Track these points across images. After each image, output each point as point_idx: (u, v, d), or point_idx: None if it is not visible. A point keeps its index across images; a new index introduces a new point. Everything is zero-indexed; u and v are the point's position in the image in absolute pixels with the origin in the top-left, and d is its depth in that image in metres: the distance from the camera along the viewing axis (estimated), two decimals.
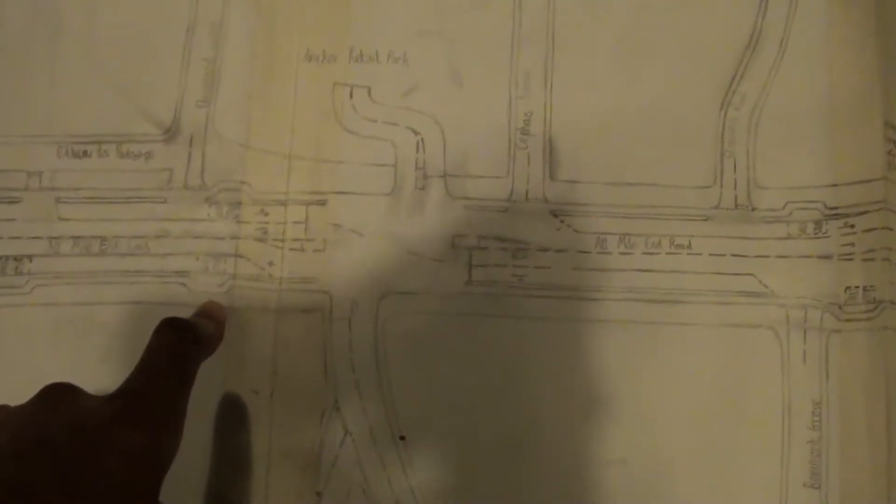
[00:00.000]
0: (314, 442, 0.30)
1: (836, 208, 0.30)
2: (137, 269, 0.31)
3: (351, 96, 0.32)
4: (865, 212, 0.30)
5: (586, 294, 0.30)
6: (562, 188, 0.31)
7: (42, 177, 0.32)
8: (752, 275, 0.30)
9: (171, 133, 0.32)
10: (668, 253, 0.31)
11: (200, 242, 0.31)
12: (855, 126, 0.30)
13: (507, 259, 0.31)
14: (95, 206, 0.32)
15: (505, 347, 0.30)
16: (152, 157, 0.32)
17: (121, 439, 0.22)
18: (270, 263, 0.31)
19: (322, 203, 0.31)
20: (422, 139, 0.32)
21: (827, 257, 0.30)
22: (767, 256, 0.30)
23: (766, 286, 0.30)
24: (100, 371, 0.30)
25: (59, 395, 0.23)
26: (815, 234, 0.30)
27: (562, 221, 0.31)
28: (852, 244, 0.30)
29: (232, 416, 0.30)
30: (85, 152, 0.32)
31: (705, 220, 0.31)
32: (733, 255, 0.30)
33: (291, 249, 0.31)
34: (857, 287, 0.29)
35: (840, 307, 0.30)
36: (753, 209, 0.31)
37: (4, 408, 0.24)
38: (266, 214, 0.31)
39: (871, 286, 0.29)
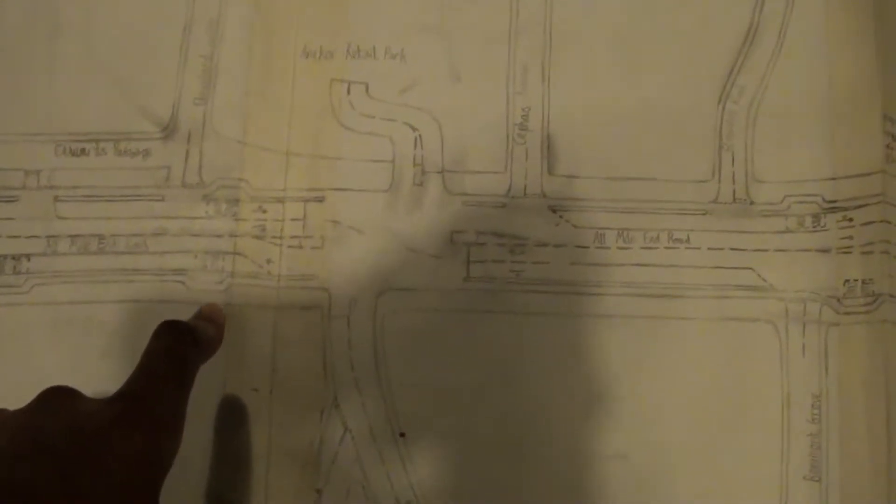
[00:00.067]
0: (314, 439, 0.30)
1: (834, 202, 0.30)
2: (136, 267, 0.31)
3: (348, 93, 0.32)
4: (864, 205, 0.30)
5: (585, 289, 0.30)
6: (560, 183, 0.31)
7: (40, 175, 0.32)
8: (750, 269, 0.30)
9: (168, 131, 0.32)
10: (666, 247, 0.31)
11: (199, 240, 0.31)
12: (853, 119, 0.30)
13: (506, 255, 0.31)
14: (93, 204, 0.32)
15: (504, 343, 0.30)
16: (150, 154, 0.32)
17: (120, 442, 0.22)
18: (269, 261, 0.31)
19: (320, 200, 0.31)
20: (420, 135, 0.32)
21: (825, 251, 0.30)
22: (766, 250, 0.30)
23: (764, 280, 0.30)
24: (99, 369, 0.30)
25: (58, 399, 0.23)
26: (814, 227, 0.30)
27: (560, 216, 0.31)
28: (851, 237, 0.30)
29: (231, 413, 0.30)
30: (83, 150, 0.32)
31: (704, 214, 0.31)
32: (732, 249, 0.30)
33: (290, 247, 0.31)
34: (855, 280, 0.29)
35: (839, 300, 0.30)
36: (752, 203, 0.31)
37: (3, 411, 0.24)
38: (264, 212, 0.31)
39: (870, 279, 0.29)
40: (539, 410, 0.30)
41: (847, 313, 0.29)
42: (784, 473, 0.29)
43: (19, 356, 0.31)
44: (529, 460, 0.30)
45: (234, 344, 0.30)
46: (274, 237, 0.31)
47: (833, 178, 0.30)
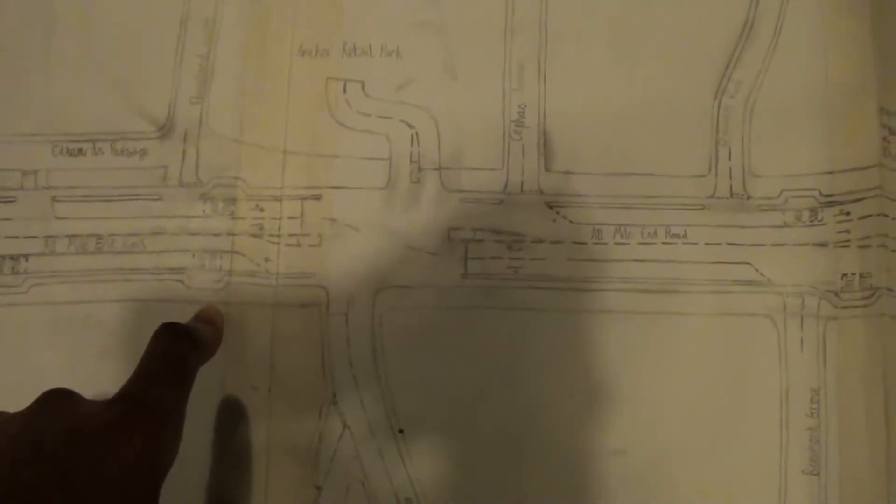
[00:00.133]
0: (313, 436, 0.30)
1: (831, 196, 0.30)
2: (133, 266, 0.31)
3: (345, 90, 0.32)
4: (861, 199, 0.30)
5: (583, 285, 0.30)
6: (557, 179, 0.31)
7: (37, 176, 0.32)
8: (748, 263, 0.30)
9: (165, 130, 0.32)
10: (664, 243, 0.31)
11: (196, 239, 0.31)
12: (850, 113, 0.30)
13: (503, 251, 0.31)
14: (91, 204, 0.32)
15: (502, 339, 0.30)
16: (147, 154, 0.32)
17: (120, 444, 0.22)
18: (266, 259, 0.31)
19: (317, 198, 0.31)
20: (416, 132, 0.32)
21: (823, 245, 0.30)
22: (763, 245, 0.30)
23: (762, 274, 0.30)
24: (97, 369, 0.30)
25: (57, 401, 0.23)
26: (811, 221, 0.30)
27: (557, 213, 0.31)
28: (848, 231, 0.30)
29: (230, 411, 0.30)
30: (80, 150, 0.32)
31: (701, 209, 0.31)
32: (729, 244, 0.30)
33: (287, 245, 0.31)
34: (853, 274, 0.29)
35: (837, 294, 0.30)
36: (749, 198, 0.31)
37: (3, 413, 0.24)
38: (261, 210, 0.31)
39: (868, 273, 0.29)
40: (538, 406, 0.30)
41: (845, 307, 0.29)
42: (783, 467, 0.29)
43: (18, 356, 0.31)
44: (528, 456, 0.30)
45: (233, 342, 0.30)
46: (271, 235, 0.31)
47: (830, 172, 0.30)
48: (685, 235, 0.31)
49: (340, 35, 0.32)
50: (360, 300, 0.31)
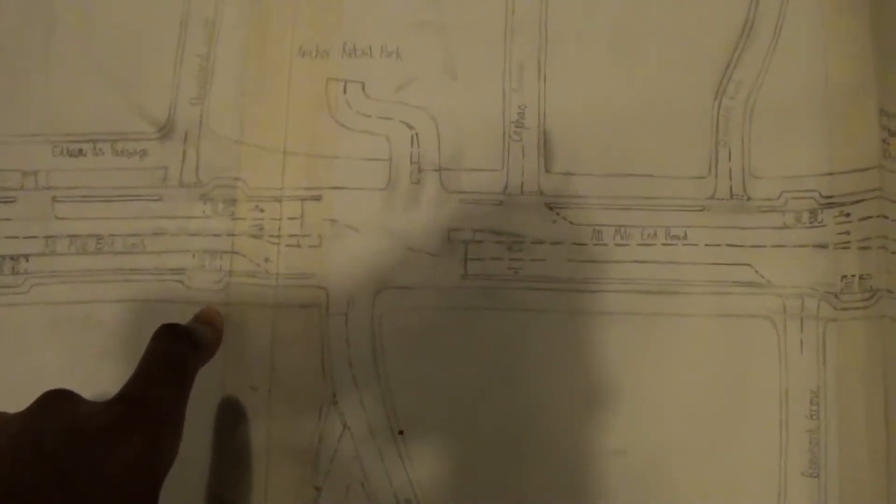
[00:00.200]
0: (313, 437, 0.30)
1: (831, 197, 0.30)
2: (134, 267, 0.31)
3: (345, 91, 0.32)
4: (861, 200, 0.30)
5: (582, 286, 0.30)
6: (557, 180, 0.31)
7: (37, 176, 0.32)
8: (748, 265, 0.30)
9: (165, 131, 0.32)
10: (663, 244, 0.31)
11: (196, 240, 0.31)
12: (850, 114, 0.30)
13: (503, 252, 0.31)
14: (91, 204, 0.32)
15: (502, 340, 0.30)
16: (147, 155, 0.32)
17: (119, 445, 0.22)
18: (266, 260, 0.31)
19: (317, 198, 0.31)
20: (416, 133, 0.32)
21: (823, 246, 0.30)
22: (763, 246, 0.30)
23: (762, 276, 0.30)
24: (97, 369, 0.31)
25: (57, 402, 0.23)
26: (811, 223, 0.30)
27: (557, 214, 0.31)
28: (848, 233, 0.30)
29: (230, 412, 0.30)
30: (80, 151, 0.32)
31: (701, 210, 0.31)
32: (729, 246, 0.30)
33: (287, 245, 0.31)
34: (853, 276, 0.29)
35: (836, 296, 0.30)
36: (749, 199, 0.31)
37: (3, 414, 0.24)
38: (261, 211, 0.31)
39: (868, 275, 0.29)
40: (537, 407, 0.30)
41: (845, 309, 0.29)
42: (783, 469, 0.29)
43: (18, 356, 0.31)
44: (528, 457, 0.30)
45: (233, 343, 0.30)
46: (272, 236, 0.31)
47: (830, 174, 0.30)
48: (685, 237, 0.31)
49: (340, 36, 0.32)
50: (360, 301, 0.31)
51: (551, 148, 0.31)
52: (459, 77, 0.32)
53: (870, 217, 0.29)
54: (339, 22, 0.32)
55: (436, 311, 0.30)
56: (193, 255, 0.31)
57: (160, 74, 0.32)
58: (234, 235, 0.31)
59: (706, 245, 0.30)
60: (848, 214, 0.30)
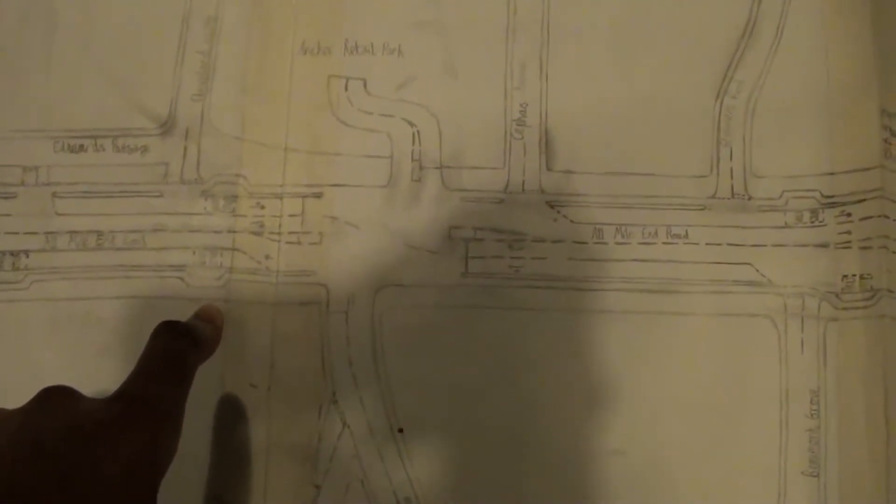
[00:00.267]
0: (312, 435, 0.30)
1: (832, 197, 0.30)
2: (134, 263, 0.31)
3: (346, 89, 0.32)
4: (862, 200, 0.30)
5: (583, 284, 0.30)
6: (558, 179, 0.31)
7: (38, 172, 0.32)
8: (749, 264, 0.30)
9: (166, 127, 0.32)
10: (664, 243, 0.31)
11: (197, 236, 0.31)
12: (851, 114, 0.30)
13: (504, 250, 0.31)
14: (92, 200, 0.32)
15: (502, 339, 0.30)
16: (148, 151, 0.32)
17: (119, 442, 0.22)
18: (267, 257, 0.31)
19: (318, 196, 0.31)
20: (417, 131, 0.32)
21: (824, 246, 0.30)
22: (764, 245, 0.30)
23: (763, 275, 0.30)
24: (97, 365, 0.30)
25: (57, 398, 0.23)
26: (812, 222, 0.30)
27: (558, 212, 0.31)
28: (849, 232, 0.30)
29: (230, 410, 0.30)
30: (81, 147, 0.32)
31: (702, 209, 0.31)
32: (730, 245, 0.30)
33: (288, 242, 0.31)
34: (854, 275, 0.29)
35: (837, 296, 0.30)
36: (750, 198, 0.31)
37: (2, 410, 0.24)
38: (262, 208, 0.31)
39: (869, 274, 0.29)
40: (537, 406, 0.30)
41: (845, 308, 0.29)
42: (783, 469, 0.29)
43: (18, 352, 0.31)
44: (528, 456, 0.30)
45: (233, 340, 0.30)
46: (272, 233, 0.31)
47: (831, 173, 0.30)
48: (686, 235, 0.31)
49: (342, 33, 0.32)
50: (361, 298, 0.31)
51: (553, 146, 0.31)
52: (461, 75, 0.32)
53: (871, 217, 0.29)
54: (341, 19, 0.32)
55: (436, 310, 0.30)
56: (194, 252, 0.31)
57: (161, 71, 0.32)
58: (234, 232, 0.31)
59: (707, 244, 0.30)
60: (849, 214, 0.30)
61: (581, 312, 0.30)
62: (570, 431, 0.30)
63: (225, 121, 0.32)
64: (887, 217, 0.29)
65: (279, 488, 0.30)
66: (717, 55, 0.31)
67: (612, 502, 0.29)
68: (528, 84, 0.32)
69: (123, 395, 0.24)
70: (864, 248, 0.29)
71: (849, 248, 0.30)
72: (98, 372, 0.30)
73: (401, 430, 0.30)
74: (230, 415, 0.30)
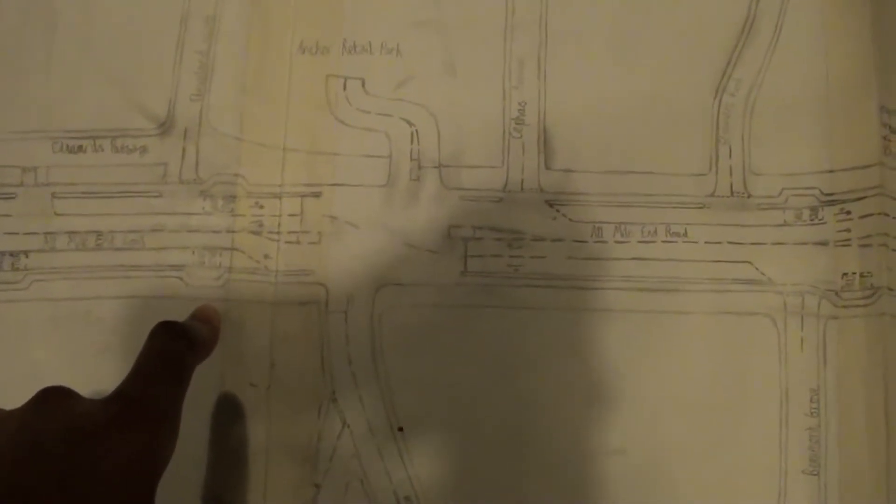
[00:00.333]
0: (312, 434, 0.30)
1: (832, 194, 0.30)
2: (133, 263, 0.31)
3: (345, 88, 0.32)
4: (862, 197, 0.30)
5: (583, 283, 0.30)
6: (557, 177, 0.31)
7: (37, 172, 0.32)
8: (748, 262, 0.30)
9: (165, 127, 0.32)
10: (664, 241, 0.31)
11: (196, 236, 0.31)
12: (850, 111, 0.30)
13: (503, 249, 0.31)
14: (91, 200, 0.32)
15: (501, 337, 0.30)
16: (147, 151, 0.32)
17: (117, 443, 0.22)
18: (266, 256, 0.31)
19: (317, 195, 0.31)
20: (416, 130, 0.32)
21: (823, 244, 0.30)
22: (764, 244, 0.30)
23: (762, 273, 0.30)
24: (97, 365, 0.30)
25: (55, 399, 0.23)
26: (812, 220, 0.30)
27: (557, 211, 0.31)
28: (849, 230, 0.30)
29: (229, 409, 0.30)
30: (80, 147, 0.32)
31: (701, 207, 0.31)
32: (729, 243, 0.30)
33: (287, 242, 0.31)
34: (854, 273, 0.29)
35: (837, 294, 0.30)
36: (749, 196, 0.30)
37: (0, 411, 0.24)
38: (261, 207, 0.31)
39: (869, 272, 0.29)
40: (537, 405, 0.30)
41: (845, 306, 0.29)
42: (783, 467, 0.29)
43: (17, 352, 0.31)
44: (528, 455, 0.30)
45: (232, 340, 0.30)
46: (271, 233, 0.31)
47: (830, 171, 0.30)
48: (685, 234, 0.30)
49: (341, 32, 0.32)
50: (360, 298, 0.31)
51: (551, 145, 0.31)
52: (459, 74, 0.32)
53: (871, 214, 0.29)
54: (340, 19, 0.32)
55: (435, 309, 0.30)
56: (193, 252, 0.31)
57: (160, 71, 0.32)
58: (233, 232, 0.31)
59: (706, 242, 0.30)
60: (849, 212, 0.30)
61: (580, 311, 0.30)
62: (569, 430, 0.30)
63: (224, 121, 0.32)
64: (887, 215, 0.29)
65: (279, 488, 0.30)
66: (715, 53, 0.31)
67: (612, 501, 0.29)
68: (527, 83, 0.32)
69: (121, 396, 0.24)
70: (864, 245, 0.29)
71: (848, 245, 0.30)
72: (97, 372, 0.30)
73: (401, 429, 0.30)
74: (230, 414, 0.30)
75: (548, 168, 0.31)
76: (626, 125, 0.31)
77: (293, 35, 0.32)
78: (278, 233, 0.31)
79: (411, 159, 0.31)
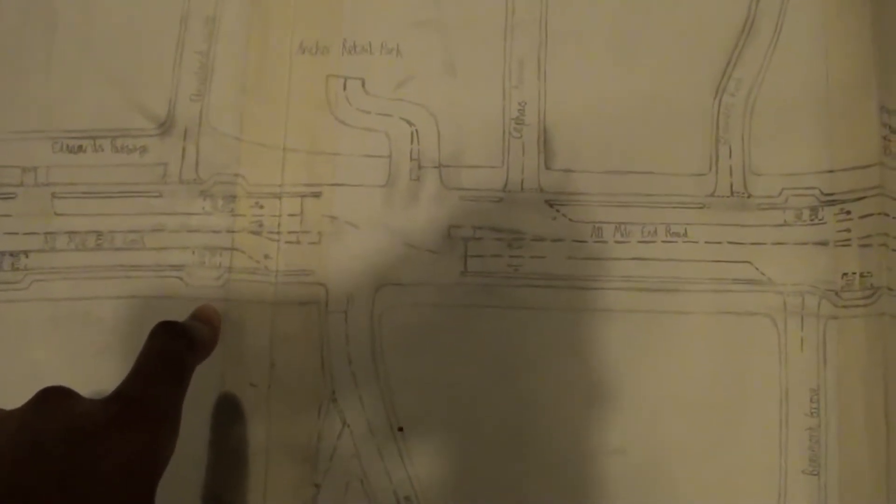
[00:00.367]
0: (312, 434, 0.30)
1: (832, 194, 0.30)
2: (133, 263, 0.31)
3: (345, 88, 0.32)
4: (862, 198, 0.30)
5: (582, 283, 0.30)
6: (557, 177, 0.31)
7: (37, 172, 0.32)
8: (748, 262, 0.30)
9: (165, 127, 0.32)
10: (664, 241, 0.31)
11: (196, 236, 0.31)
12: (850, 111, 0.30)
13: (503, 249, 0.31)
14: (91, 200, 0.32)
15: (501, 338, 0.30)
16: (147, 151, 0.32)
17: (117, 444, 0.22)
18: (266, 256, 0.31)
19: (317, 195, 0.31)
20: (416, 130, 0.32)
21: (823, 244, 0.30)
22: (764, 244, 0.30)
23: (762, 273, 0.30)
24: (96, 365, 0.30)
25: (54, 399, 0.23)
26: (812, 220, 0.30)
27: (557, 211, 0.31)
28: (849, 230, 0.30)
29: (229, 409, 0.30)
30: (80, 147, 0.32)
31: (701, 207, 0.31)
32: (729, 243, 0.30)
33: (287, 242, 0.31)
34: (854, 273, 0.29)
35: (837, 294, 0.29)
36: (749, 196, 0.30)
37: (0, 411, 0.24)
38: (261, 207, 0.31)
39: (869, 272, 0.29)
40: (537, 405, 0.30)
41: (845, 306, 0.29)
42: (783, 467, 0.29)
43: (17, 352, 0.31)
44: (528, 455, 0.30)
45: (232, 339, 0.30)
46: (271, 233, 0.31)
47: (830, 171, 0.30)
48: (685, 234, 0.30)
49: (341, 32, 0.32)
50: (360, 298, 0.31)
51: (551, 145, 0.31)
52: (459, 74, 0.32)
53: (871, 214, 0.29)
54: (340, 19, 0.32)
55: (435, 309, 0.30)
56: (193, 252, 0.31)
57: (160, 71, 0.32)
58: (233, 232, 0.31)
59: (706, 242, 0.30)
60: (849, 212, 0.30)
61: (580, 311, 0.30)
62: (569, 430, 0.30)
63: (223, 121, 0.32)
64: (887, 215, 0.29)
65: (279, 488, 0.30)
66: (715, 53, 0.31)
67: (612, 501, 0.29)
68: (527, 83, 0.32)
69: (121, 396, 0.24)
70: (864, 245, 0.29)
71: (848, 245, 0.30)
72: (97, 372, 0.30)
73: (400, 429, 0.30)
74: (230, 414, 0.30)
75: (548, 168, 0.31)
76: (626, 125, 0.31)
77: (293, 35, 0.32)
78: (278, 233, 0.31)
79: (411, 159, 0.31)
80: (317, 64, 0.32)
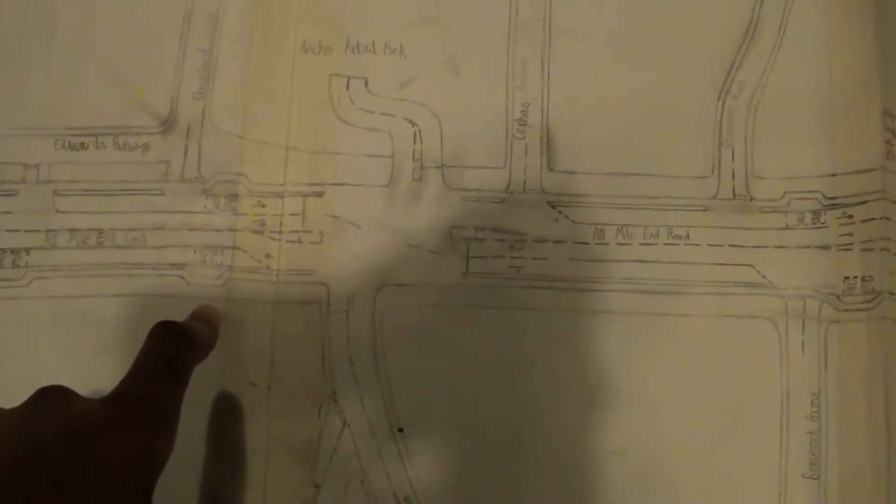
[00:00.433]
0: (312, 434, 0.30)
1: (834, 198, 0.30)
2: (135, 261, 0.31)
3: (348, 87, 0.32)
4: (864, 202, 0.30)
5: (584, 285, 0.30)
6: (559, 179, 0.31)
7: (39, 169, 0.32)
8: (750, 265, 0.30)
9: (167, 125, 0.32)
10: (665, 243, 0.31)
11: (198, 234, 0.31)
12: (853, 115, 0.30)
13: (505, 250, 0.31)
14: (92, 198, 0.32)
15: (502, 339, 0.30)
16: (149, 149, 0.32)
17: (115, 443, 0.22)
18: (268, 255, 0.31)
19: (319, 195, 0.31)
20: (419, 130, 0.32)
21: (825, 247, 0.30)
22: (766, 247, 0.30)
23: (764, 277, 0.30)
24: (97, 364, 0.30)
25: (53, 399, 0.23)
26: (814, 224, 0.30)
27: (559, 212, 0.31)
28: (851, 234, 0.30)
29: (229, 408, 0.30)
30: (82, 145, 0.32)
31: (703, 210, 0.31)
32: (731, 246, 0.30)
33: (289, 241, 0.31)
34: (855, 277, 0.29)
35: (839, 297, 0.29)
36: (751, 199, 0.30)
37: None
38: (263, 206, 0.31)
39: (870, 276, 0.29)
40: (538, 406, 0.30)
41: (847, 310, 0.29)
42: (783, 471, 0.29)
43: (18, 349, 0.31)
44: (528, 456, 0.30)
45: (233, 339, 0.30)
46: (273, 232, 0.31)
47: (833, 175, 0.30)
48: (687, 236, 0.30)
49: (344, 32, 0.32)
50: (361, 298, 0.31)
51: (554, 146, 0.31)
52: (462, 74, 0.32)
53: (873, 219, 0.29)
54: (343, 18, 0.32)
55: (437, 309, 0.30)
56: (194, 251, 0.31)
57: (163, 69, 0.32)
58: (235, 231, 0.31)
59: (708, 245, 0.30)
60: (851, 216, 0.30)
61: (582, 313, 0.30)
62: (570, 431, 0.30)
63: (226, 119, 0.32)
64: (889, 219, 0.29)
65: (279, 487, 0.30)
66: (718, 55, 0.31)
67: (612, 502, 0.29)
68: (530, 83, 0.32)
69: (120, 396, 0.24)
70: (866, 249, 0.29)
71: (850, 249, 0.30)
72: (97, 369, 0.30)
73: (401, 430, 0.30)
74: (229, 414, 0.30)
75: (550, 169, 0.31)
76: (628, 127, 0.31)
77: (296, 34, 0.32)
78: (280, 232, 0.31)
79: (414, 159, 0.31)
80: (320, 63, 0.32)
